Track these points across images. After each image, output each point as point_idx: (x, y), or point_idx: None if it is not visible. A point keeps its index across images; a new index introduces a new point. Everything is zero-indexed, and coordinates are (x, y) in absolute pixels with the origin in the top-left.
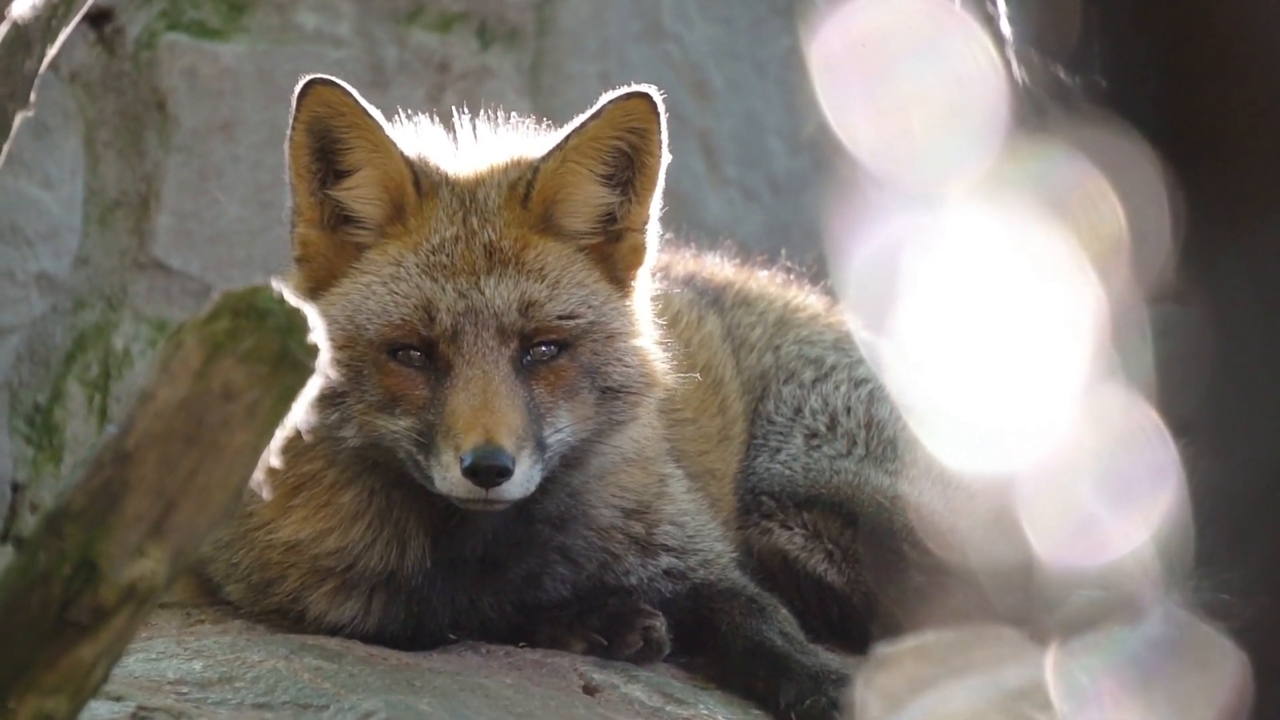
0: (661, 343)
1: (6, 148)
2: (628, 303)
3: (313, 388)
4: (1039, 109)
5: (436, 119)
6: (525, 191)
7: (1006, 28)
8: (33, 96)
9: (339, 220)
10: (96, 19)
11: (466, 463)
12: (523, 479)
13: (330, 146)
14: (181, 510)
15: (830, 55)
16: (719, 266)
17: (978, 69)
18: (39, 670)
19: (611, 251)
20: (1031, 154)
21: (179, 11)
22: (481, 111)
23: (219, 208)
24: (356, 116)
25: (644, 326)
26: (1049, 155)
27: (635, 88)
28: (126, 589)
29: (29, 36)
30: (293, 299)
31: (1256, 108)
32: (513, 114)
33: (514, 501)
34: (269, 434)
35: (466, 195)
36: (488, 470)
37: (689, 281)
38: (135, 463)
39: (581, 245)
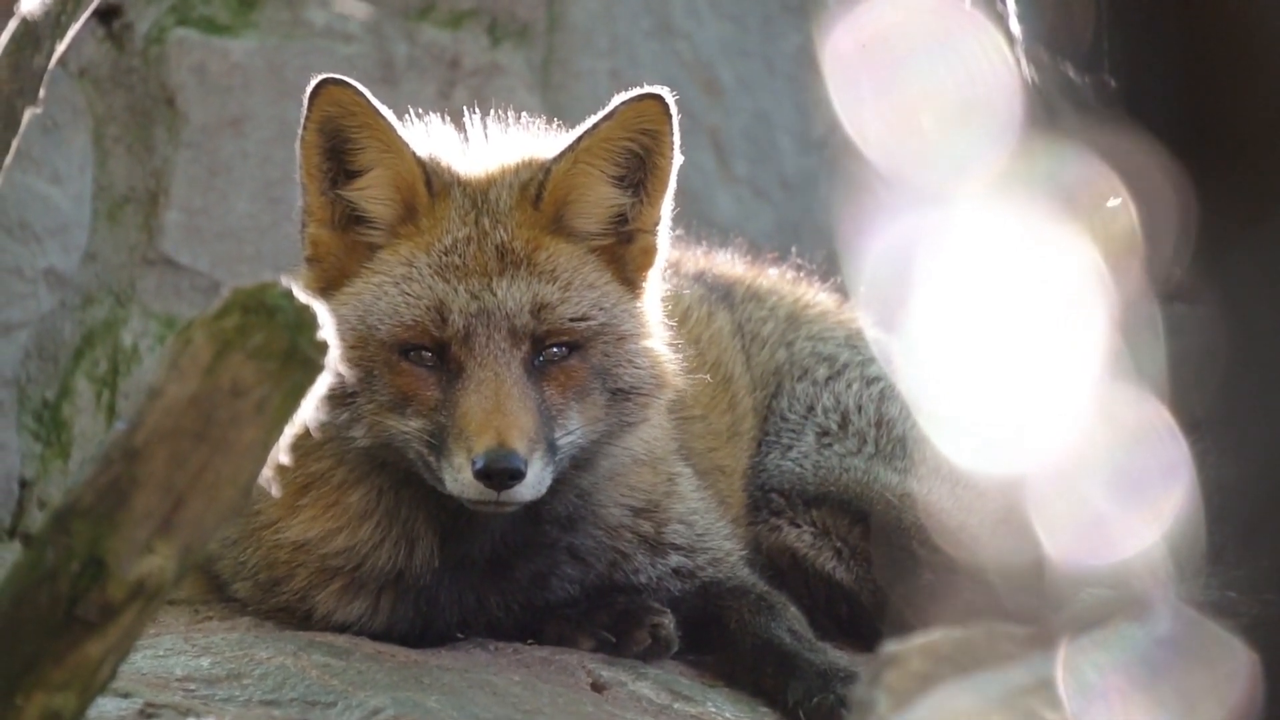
0: (672, 344)
1: (15, 143)
2: (638, 304)
3: (322, 385)
4: (1050, 108)
5: (447, 118)
6: (537, 192)
7: (1016, 26)
8: (42, 92)
9: (350, 220)
10: (105, 15)
11: (479, 465)
12: (534, 481)
13: (342, 146)
14: (190, 507)
15: (842, 54)
16: (729, 263)
17: (989, 68)
18: (47, 667)
19: (623, 253)
20: (1043, 153)
21: (188, 7)
22: (492, 108)
23: (228, 204)
24: (368, 116)
25: (654, 328)
26: (1060, 154)
27: (648, 89)
28: (134, 586)
29: (38, 32)
30: (302, 296)
31: (1268, 106)
32: (523, 111)
33: (525, 503)
34: (278, 431)
35: (478, 196)
36: (500, 473)
37: (699, 278)
38: (144, 459)
39: (593, 246)
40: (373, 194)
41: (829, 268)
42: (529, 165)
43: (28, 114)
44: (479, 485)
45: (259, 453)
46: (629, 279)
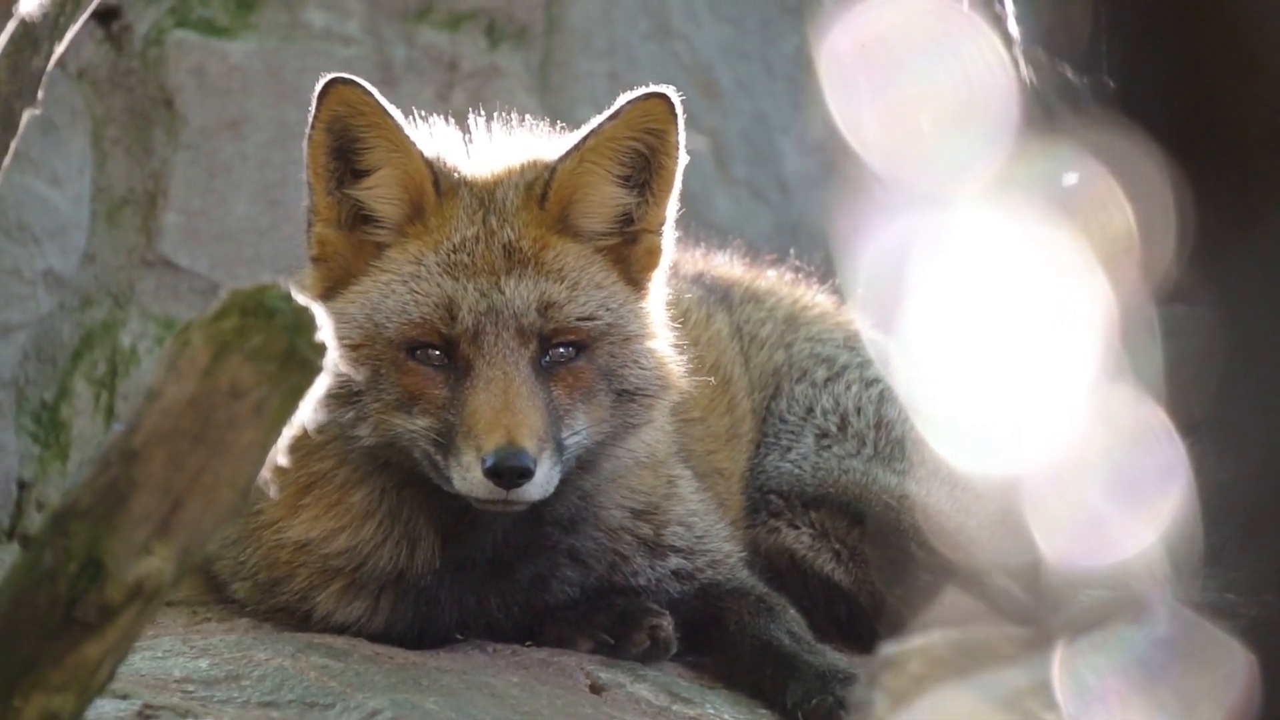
0: (676, 345)
1: (14, 145)
2: (644, 305)
3: (320, 386)
4: (1047, 109)
5: (450, 119)
6: (543, 192)
7: (1014, 28)
8: (40, 94)
9: (357, 219)
10: (104, 16)
11: (489, 464)
12: (543, 480)
13: (349, 146)
14: (188, 508)
15: (838, 56)
16: (727, 265)
17: (986, 69)
18: (45, 668)
19: (628, 253)
20: (1040, 154)
21: (187, 9)
22: (491, 110)
23: (227, 206)
24: (377, 116)
25: (659, 329)
26: (1057, 156)
27: (653, 88)
28: (133, 587)
29: (37, 34)
30: (300, 297)
31: (1266, 107)
32: (524, 114)
33: (532, 503)
34: (276, 432)
35: (485, 195)
36: (510, 471)
37: (697, 279)
38: (142, 461)
39: (598, 246)
40: (380, 193)
41: (827, 269)
42: (534, 165)
43: (26, 115)
44: (488, 484)
45: (257, 454)
46: (634, 279)
